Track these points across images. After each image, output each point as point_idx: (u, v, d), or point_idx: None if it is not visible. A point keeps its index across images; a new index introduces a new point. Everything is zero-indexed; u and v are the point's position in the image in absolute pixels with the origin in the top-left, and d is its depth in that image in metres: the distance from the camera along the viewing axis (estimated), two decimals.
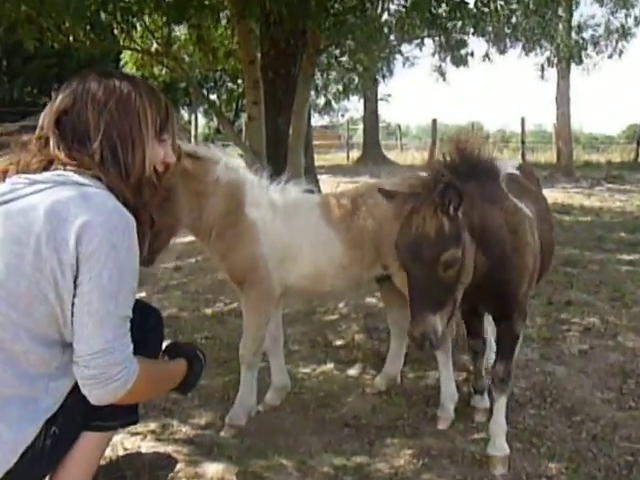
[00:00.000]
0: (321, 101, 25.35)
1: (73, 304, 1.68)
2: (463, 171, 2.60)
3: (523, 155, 20.46)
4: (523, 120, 21.08)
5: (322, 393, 3.78)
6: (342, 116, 36.33)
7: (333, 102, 24.66)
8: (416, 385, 3.89)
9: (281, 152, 8.34)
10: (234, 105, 27.41)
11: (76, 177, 1.74)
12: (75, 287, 1.68)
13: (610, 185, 15.42)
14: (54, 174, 1.74)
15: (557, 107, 18.64)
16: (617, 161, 21.58)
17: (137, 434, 3.23)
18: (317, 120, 33.84)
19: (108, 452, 2.57)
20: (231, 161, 3.28)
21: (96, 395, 1.74)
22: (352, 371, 4.15)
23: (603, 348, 4.40)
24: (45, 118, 1.84)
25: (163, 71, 11.48)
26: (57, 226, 1.65)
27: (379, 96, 27.20)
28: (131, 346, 1.76)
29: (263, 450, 3.11)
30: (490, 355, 3.73)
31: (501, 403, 2.97)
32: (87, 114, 1.79)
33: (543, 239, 3.06)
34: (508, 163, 3.49)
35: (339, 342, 4.67)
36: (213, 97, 25.78)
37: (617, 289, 5.83)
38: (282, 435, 3.27)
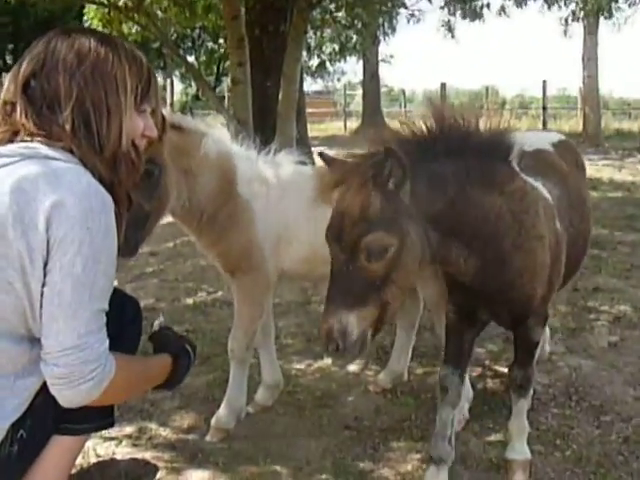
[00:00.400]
0: (314, 62, 25.24)
1: (42, 294, 1.67)
2: (436, 146, 2.38)
3: (544, 123, 20.45)
4: (545, 83, 21.02)
5: (319, 392, 3.81)
6: (338, 80, 36.20)
7: (328, 64, 24.56)
8: (425, 382, 3.92)
9: (270, 120, 8.32)
10: (215, 68, 27.33)
11: (45, 150, 1.72)
12: (45, 275, 1.66)
13: None
14: (20, 146, 1.73)
15: (583, 68, 18.62)
16: None
17: (111, 439, 3.26)
18: (310, 84, 33.80)
19: (79, 459, 2.58)
20: (217, 133, 3.26)
21: (67, 396, 1.73)
22: (352, 367, 4.17)
23: (635, 339, 4.44)
24: (11, 82, 1.81)
25: (133, 29, 11.39)
26: (25, 207, 1.64)
27: (380, 57, 27.13)
28: (107, 342, 1.76)
29: (253, 456, 3.13)
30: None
31: (521, 404, 2.94)
32: (57, 78, 1.77)
33: (571, 229, 2.93)
34: (541, 136, 3.44)
35: None
36: (191, 59, 25.68)
37: None
38: (274, 439, 3.30)
